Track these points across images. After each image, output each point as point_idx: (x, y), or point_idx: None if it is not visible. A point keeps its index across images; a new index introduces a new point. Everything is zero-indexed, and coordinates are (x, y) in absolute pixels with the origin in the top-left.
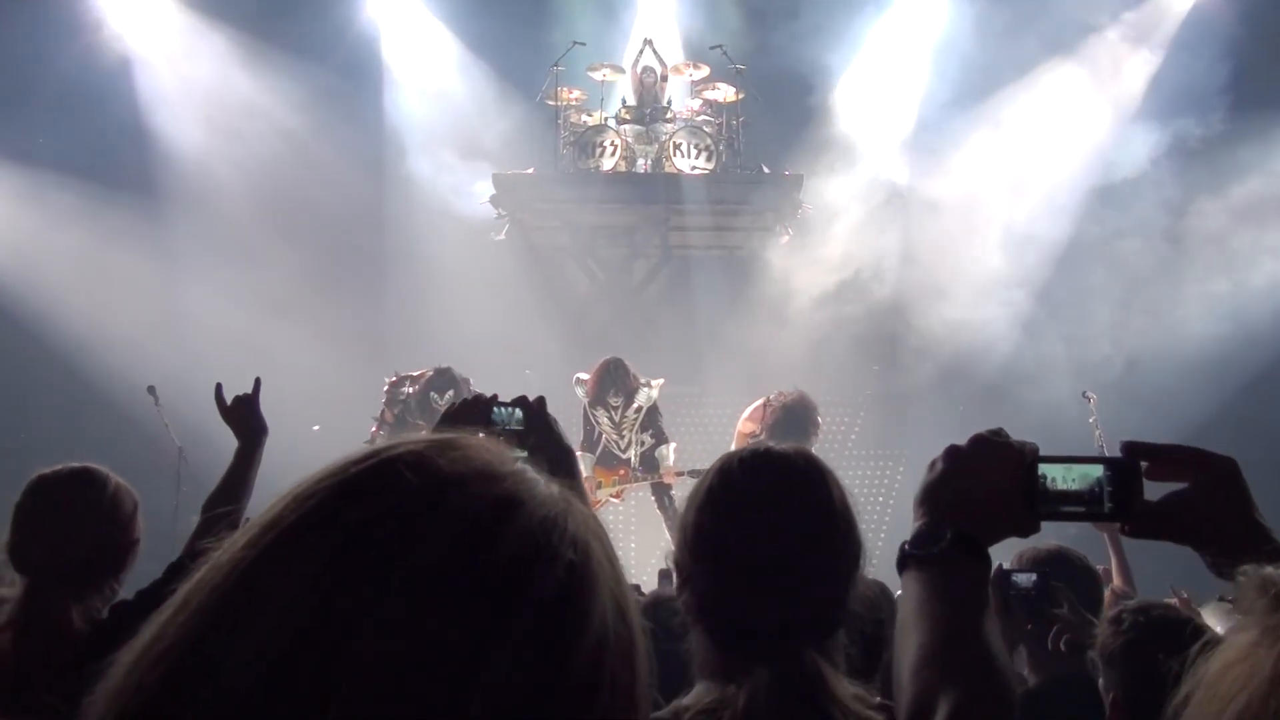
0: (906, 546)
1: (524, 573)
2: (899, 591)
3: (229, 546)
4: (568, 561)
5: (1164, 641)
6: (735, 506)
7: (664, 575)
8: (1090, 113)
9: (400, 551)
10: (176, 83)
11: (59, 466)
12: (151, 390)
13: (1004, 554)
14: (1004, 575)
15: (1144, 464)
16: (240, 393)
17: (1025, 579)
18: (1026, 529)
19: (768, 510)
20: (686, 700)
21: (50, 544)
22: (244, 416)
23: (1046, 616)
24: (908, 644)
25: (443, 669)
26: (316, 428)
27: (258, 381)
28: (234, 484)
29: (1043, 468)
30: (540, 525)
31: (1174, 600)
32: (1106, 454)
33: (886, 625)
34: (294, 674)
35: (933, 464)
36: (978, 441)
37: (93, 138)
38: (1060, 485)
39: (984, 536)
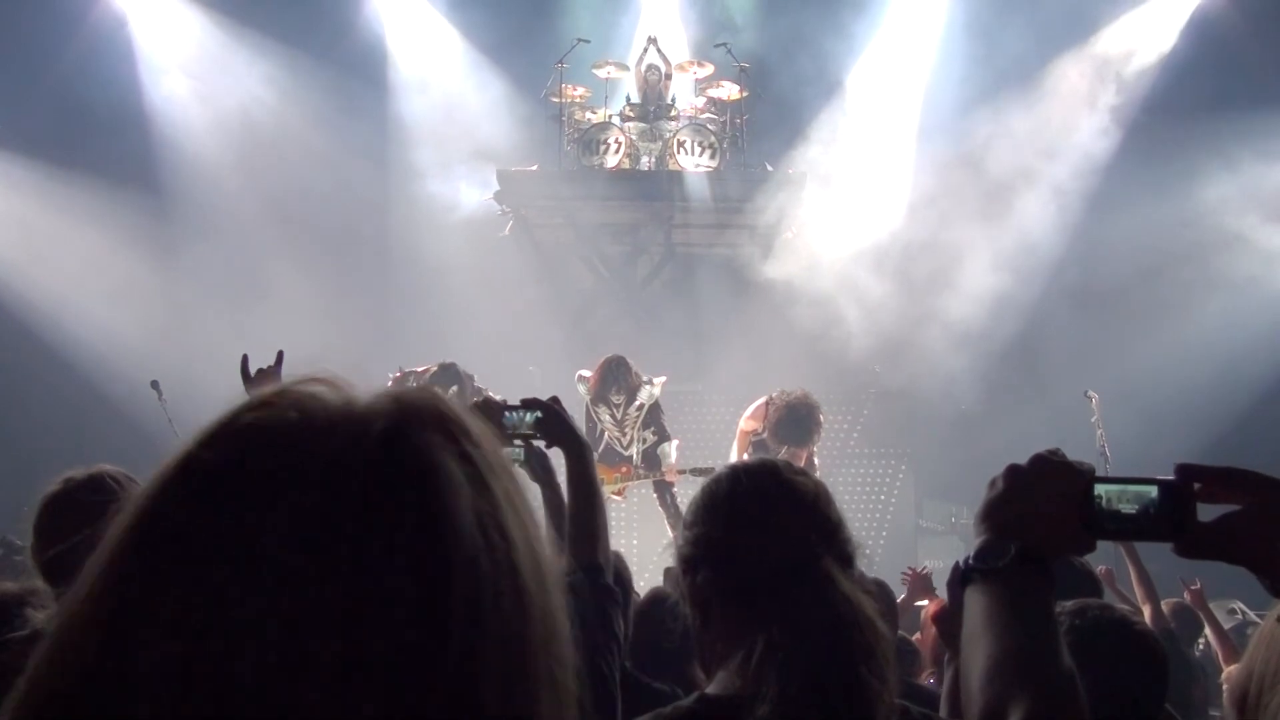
0: (970, 560)
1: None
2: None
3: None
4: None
5: (1099, 643)
6: (733, 501)
7: (669, 573)
8: (1088, 116)
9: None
10: (182, 80)
11: (69, 477)
12: (155, 385)
13: None
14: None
15: (1197, 485)
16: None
17: None
18: (1082, 547)
19: (762, 504)
20: (712, 690)
21: (69, 557)
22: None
23: None
24: (976, 656)
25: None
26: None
27: (280, 355)
28: None
29: (1098, 487)
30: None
31: (1185, 594)
32: (1109, 454)
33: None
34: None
35: (993, 482)
36: (1037, 461)
37: (98, 135)
38: (1115, 505)
39: (1045, 552)
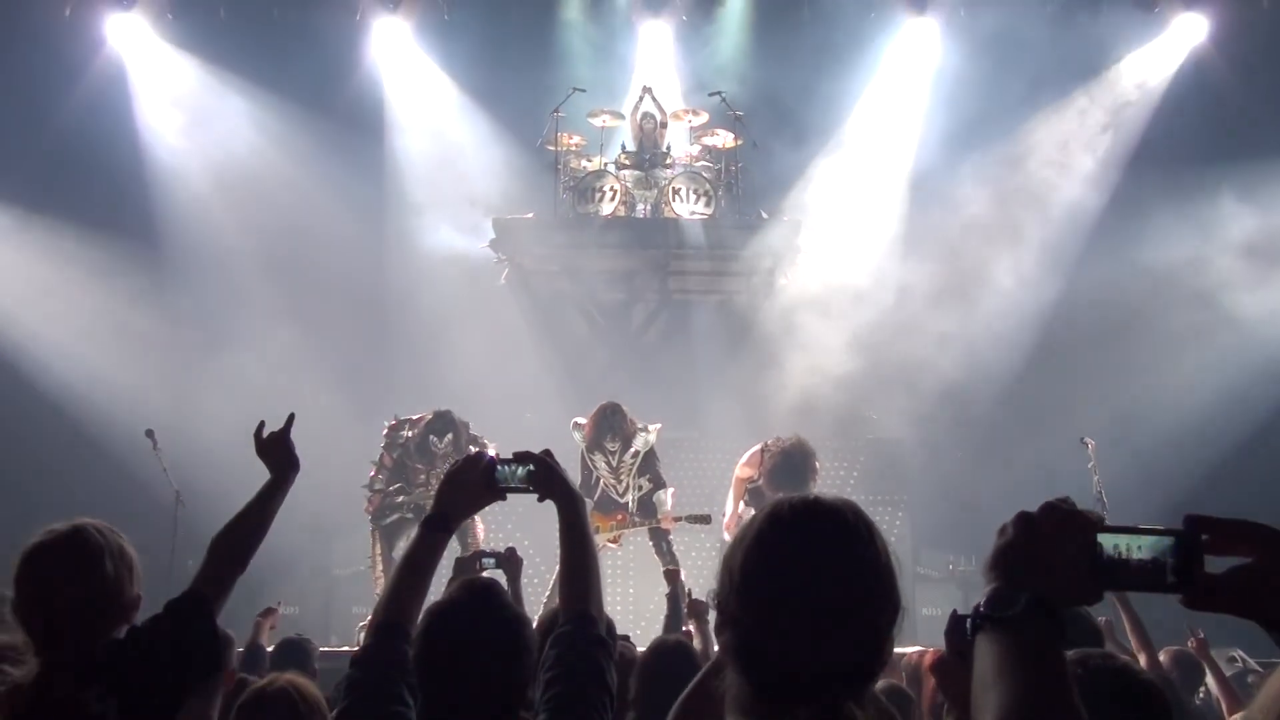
0: (982, 608)
1: None
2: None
3: None
4: None
5: (1101, 692)
6: (784, 551)
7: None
8: (1078, 163)
9: None
10: (178, 128)
11: (51, 530)
12: (150, 434)
13: None
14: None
15: (1205, 536)
16: (274, 429)
17: None
18: (1090, 597)
19: (816, 556)
20: None
21: (48, 614)
22: (279, 452)
23: None
24: (988, 705)
25: None
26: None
27: (290, 417)
28: (254, 518)
29: (1105, 537)
30: None
31: (1190, 641)
32: (1105, 500)
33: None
34: None
35: (1003, 529)
36: (1047, 509)
37: (92, 182)
38: (1123, 555)
39: (1055, 601)
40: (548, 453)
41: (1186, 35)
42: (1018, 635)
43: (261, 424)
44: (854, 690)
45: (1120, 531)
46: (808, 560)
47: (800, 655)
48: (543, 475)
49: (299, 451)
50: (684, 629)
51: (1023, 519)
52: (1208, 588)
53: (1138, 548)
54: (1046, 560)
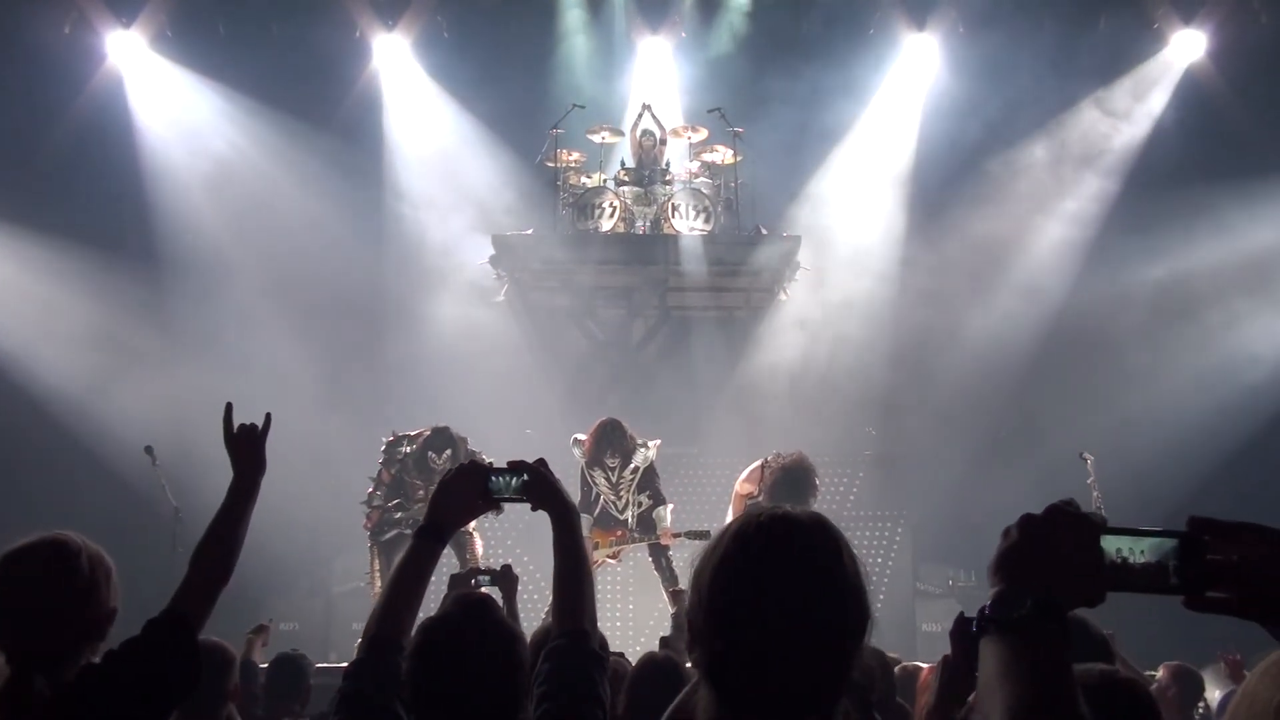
0: (987, 611)
1: None
2: (893, 653)
3: None
4: None
5: (1101, 705)
6: (751, 569)
7: (664, 642)
8: (1078, 178)
9: None
10: (178, 147)
11: (28, 539)
12: (149, 450)
13: None
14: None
15: (1207, 538)
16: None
17: None
18: (1094, 599)
19: (782, 575)
20: None
21: (21, 622)
22: (247, 448)
23: None
24: (993, 706)
25: None
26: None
27: (268, 417)
28: (226, 527)
29: (1109, 539)
30: None
31: (1221, 663)
32: (1105, 514)
33: (876, 691)
34: None
35: (1007, 531)
36: (1051, 511)
37: (91, 200)
38: (1126, 557)
39: (1059, 604)
40: (542, 462)
41: (1185, 52)
42: (1023, 637)
43: (230, 408)
44: (821, 707)
45: (1123, 533)
46: (773, 577)
47: (766, 672)
48: (537, 485)
49: (298, 465)
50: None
51: (1027, 521)
52: (1209, 589)
53: (1141, 550)
54: (1051, 562)
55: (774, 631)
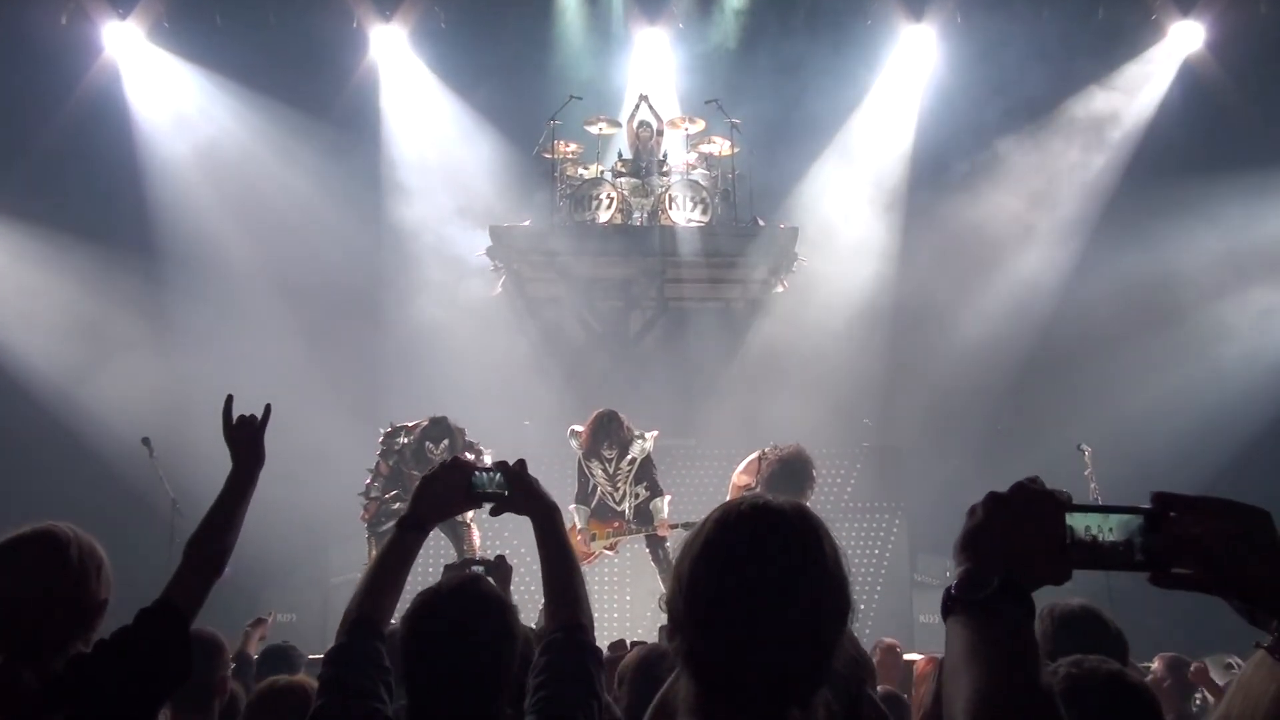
0: (953, 591)
1: None
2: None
3: None
4: None
5: (1091, 693)
6: (730, 559)
7: (664, 630)
8: (1077, 172)
9: None
10: (175, 138)
11: (19, 530)
12: (146, 442)
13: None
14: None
15: (1172, 514)
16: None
17: None
18: (1060, 577)
19: (761, 565)
20: None
21: (9, 613)
22: (246, 440)
23: None
24: (959, 687)
25: None
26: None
27: (268, 409)
28: (222, 518)
29: (1075, 516)
30: None
31: (1192, 666)
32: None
33: (866, 685)
34: None
35: (973, 510)
36: (1017, 489)
37: (90, 193)
38: (1092, 534)
39: (1025, 582)
40: (521, 463)
41: (1184, 43)
42: (989, 617)
43: (230, 400)
44: (800, 695)
45: (1089, 511)
46: (753, 566)
47: (745, 661)
48: (515, 484)
49: (295, 457)
50: None
51: (992, 499)
52: (1174, 564)
53: (1108, 528)
54: (1016, 541)
55: (753, 621)
